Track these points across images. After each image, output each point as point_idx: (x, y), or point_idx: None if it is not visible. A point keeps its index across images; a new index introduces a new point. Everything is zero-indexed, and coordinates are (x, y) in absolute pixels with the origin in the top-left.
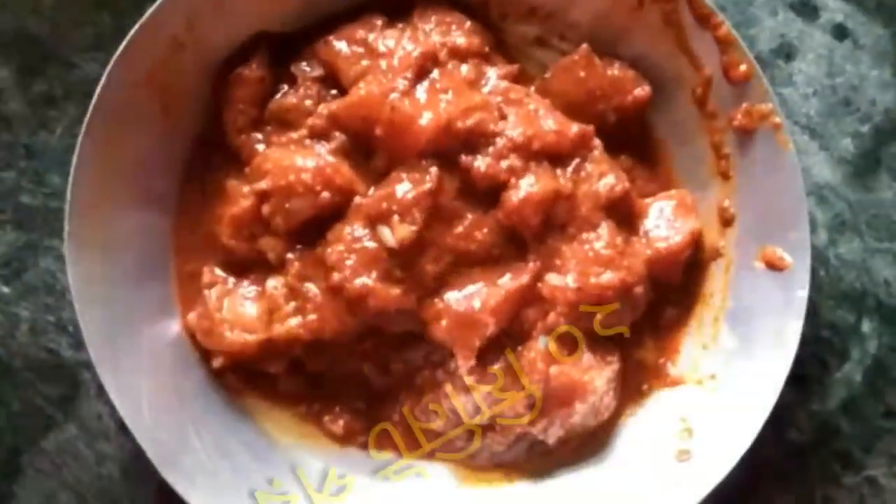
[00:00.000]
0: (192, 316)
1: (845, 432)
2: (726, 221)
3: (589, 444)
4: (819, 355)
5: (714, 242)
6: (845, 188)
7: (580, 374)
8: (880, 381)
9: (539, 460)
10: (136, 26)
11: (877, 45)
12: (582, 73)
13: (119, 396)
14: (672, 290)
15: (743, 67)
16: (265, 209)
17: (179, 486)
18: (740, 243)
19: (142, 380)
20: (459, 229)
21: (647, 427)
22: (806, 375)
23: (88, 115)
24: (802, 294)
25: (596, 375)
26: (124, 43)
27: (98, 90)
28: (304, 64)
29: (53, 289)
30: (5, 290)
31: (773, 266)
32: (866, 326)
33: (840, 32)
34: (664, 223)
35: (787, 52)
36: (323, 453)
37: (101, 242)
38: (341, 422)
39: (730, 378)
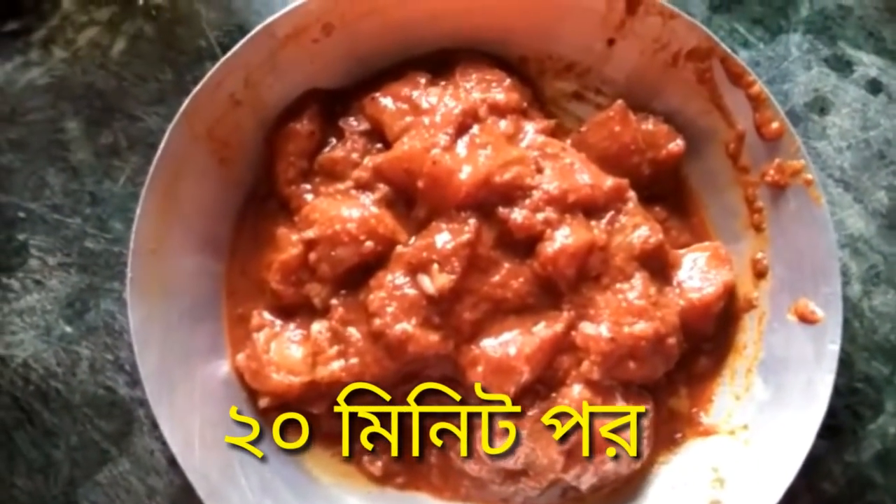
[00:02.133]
0: (240, 357)
1: (879, 484)
2: (759, 273)
3: (622, 491)
4: (853, 407)
5: (748, 294)
6: (879, 240)
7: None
8: None
9: None
10: (198, 86)
11: None
12: (617, 128)
13: (171, 432)
14: (706, 341)
15: (775, 125)
16: (312, 256)
17: None
18: (773, 295)
19: (194, 416)
20: (496, 278)
21: (679, 476)
22: (840, 427)
23: (152, 167)
24: (834, 347)
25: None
26: (187, 101)
27: (162, 145)
28: (351, 119)
29: (112, 329)
30: (68, 329)
31: (806, 319)
32: None
33: (874, 87)
34: (697, 274)
35: (821, 106)
36: (361, 493)
37: (160, 287)
38: (379, 462)
39: (762, 429)
